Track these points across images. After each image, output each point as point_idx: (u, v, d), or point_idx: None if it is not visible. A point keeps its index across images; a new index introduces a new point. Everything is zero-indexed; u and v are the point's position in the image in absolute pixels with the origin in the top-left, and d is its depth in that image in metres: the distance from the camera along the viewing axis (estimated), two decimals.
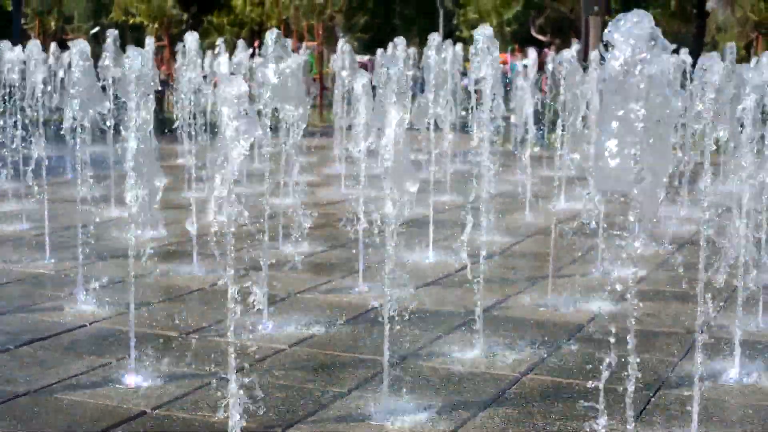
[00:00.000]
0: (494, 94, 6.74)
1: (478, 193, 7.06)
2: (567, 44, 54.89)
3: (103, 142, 11.84)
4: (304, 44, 30.96)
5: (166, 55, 36.62)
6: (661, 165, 4.08)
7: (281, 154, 9.57)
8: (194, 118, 13.25)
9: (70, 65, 7.70)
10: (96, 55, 8.96)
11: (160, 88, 20.00)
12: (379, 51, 22.88)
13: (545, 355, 6.64)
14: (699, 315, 5.35)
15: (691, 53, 17.21)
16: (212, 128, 13.52)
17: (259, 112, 7.35)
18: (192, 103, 12.71)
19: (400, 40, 16.15)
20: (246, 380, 5.95)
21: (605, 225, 8.06)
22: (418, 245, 9.95)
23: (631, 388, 4.60)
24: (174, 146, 15.95)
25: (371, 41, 61.09)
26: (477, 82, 6.83)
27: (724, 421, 5.54)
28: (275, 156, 9.32)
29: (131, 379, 5.98)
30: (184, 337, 6.98)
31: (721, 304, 7.79)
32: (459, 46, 20.08)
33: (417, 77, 23.28)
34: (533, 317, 7.64)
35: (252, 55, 23.96)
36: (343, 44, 19.60)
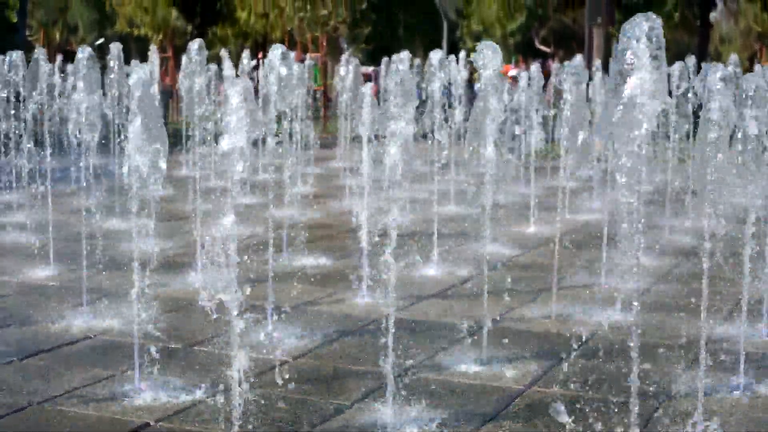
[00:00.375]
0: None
1: (481, 204, 7.06)
2: (570, 55, 54.96)
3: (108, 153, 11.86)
4: (308, 55, 30.99)
5: (170, 67, 36.67)
6: None
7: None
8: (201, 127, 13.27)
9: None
10: (100, 66, 8.97)
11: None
12: (384, 60, 22.93)
13: (550, 367, 6.62)
14: (703, 326, 5.34)
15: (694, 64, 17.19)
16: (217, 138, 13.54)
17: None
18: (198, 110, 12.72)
19: (405, 55, 16.23)
20: (250, 392, 5.96)
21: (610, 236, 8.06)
22: (422, 256, 9.94)
23: (635, 399, 4.59)
24: (179, 156, 15.97)
25: (375, 52, 61.21)
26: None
27: None
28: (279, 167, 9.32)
29: (135, 392, 5.97)
30: (189, 349, 6.98)
31: (726, 315, 7.78)
32: (462, 54, 20.12)
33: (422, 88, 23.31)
34: (538, 329, 7.62)
35: (256, 67, 23.98)
36: (348, 56, 19.67)
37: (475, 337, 7.07)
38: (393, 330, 5.59)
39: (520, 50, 56.45)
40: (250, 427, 5.14)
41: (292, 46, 43.95)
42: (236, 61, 28.43)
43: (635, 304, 4.67)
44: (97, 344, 7.10)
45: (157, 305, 8.12)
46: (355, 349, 7.04)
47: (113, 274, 8.92)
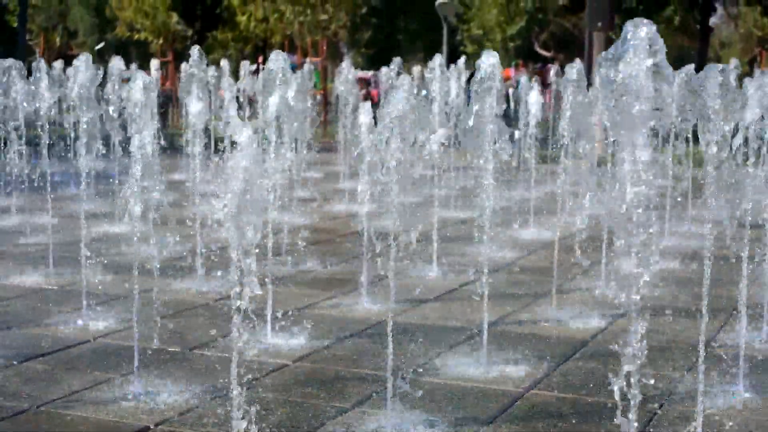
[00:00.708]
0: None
1: (481, 208, 7.07)
2: (570, 59, 54.97)
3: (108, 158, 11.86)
4: (308, 60, 31.00)
5: (170, 71, 36.70)
6: None
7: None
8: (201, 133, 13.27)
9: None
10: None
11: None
12: (384, 69, 22.97)
13: (549, 371, 6.63)
14: (703, 330, 5.34)
15: (694, 68, 17.19)
16: (216, 144, 13.56)
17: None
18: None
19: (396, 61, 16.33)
20: (250, 396, 5.96)
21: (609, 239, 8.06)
22: (422, 260, 9.95)
23: (635, 402, 4.59)
24: (178, 161, 15.98)
25: (375, 56, 61.25)
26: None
27: None
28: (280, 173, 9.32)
29: (135, 395, 5.98)
30: (188, 353, 6.98)
31: (726, 319, 7.79)
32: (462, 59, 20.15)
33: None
34: (537, 332, 7.63)
35: (256, 71, 24.01)
36: (347, 61, 19.72)
37: (475, 341, 7.08)
38: (392, 333, 5.59)
39: (521, 54, 56.50)
40: (250, 430, 5.13)
41: (292, 50, 43.99)
42: (236, 66, 28.44)
43: (635, 307, 4.67)
44: (97, 347, 7.10)
45: (158, 308, 8.12)
46: (355, 353, 7.04)
47: (113, 278, 8.93)
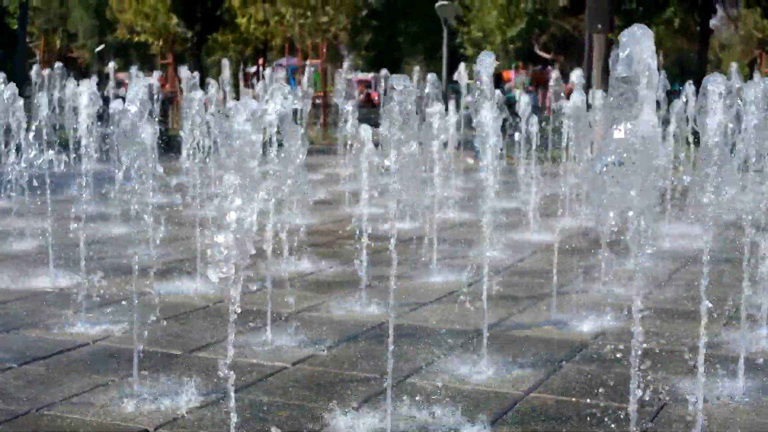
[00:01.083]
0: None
1: (481, 210, 7.06)
2: (570, 61, 55.00)
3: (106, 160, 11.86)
4: (308, 62, 31.03)
5: (170, 73, 36.70)
6: None
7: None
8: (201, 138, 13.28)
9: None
10: (100, 72, 9.00)
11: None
12: (383, 71, 22.99)
13: (548, 374, 6.62)
14: (702, 333, 5.33)
15: (694, 71, 17.25)
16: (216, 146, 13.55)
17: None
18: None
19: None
20: (249, 399, 5.96)
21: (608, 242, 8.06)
22: (422, 262, 9.95)
23: (634, 406, 4.59)
24: (178, 164, 15.97)
25: (376, 59, 61.31)
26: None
27: None
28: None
29: (134, 398, 5.97)
30: (188, 355, 6.98)
31: (725, 321, 7.78)
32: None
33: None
34: (537, 335, 7.62)
35: (255, 73, 24.02)
36: (348, 64, 19.74)
37: (474, 343, 7.07)
38: (392, 336, 5.59)
39: (521, 56, 56.53)
40: None
41: (292, 52, 44.01)
42: (236, 68, 28.43)
43: (635, 309, 4.66)
44: (96, 350, 7.09)
45: (157, 311, 8.12)
46: (354, 355, 7.03)
47: (112, 280, 8.92)
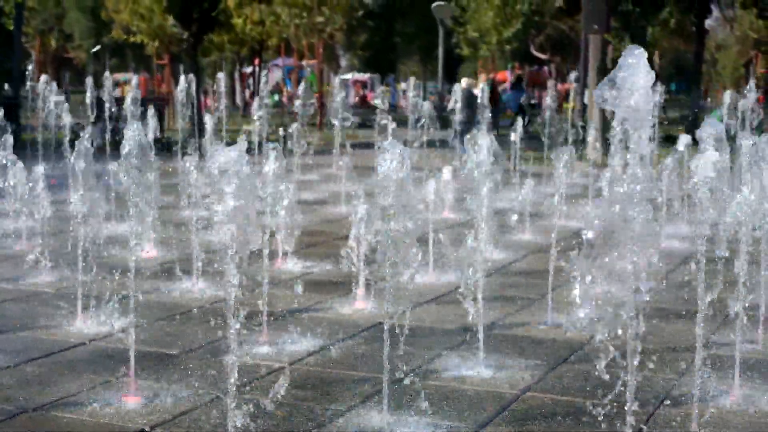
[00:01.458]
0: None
1: (475, 211, 7.07)
2: (566, 62, 55.01)
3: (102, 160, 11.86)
4: (304, 62, 31.01)
5: (166, 74, 36.67)
6: None
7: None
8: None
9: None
10: (96, 73, 9.00)
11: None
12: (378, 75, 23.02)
13: (545, 373, 6.63)
14: (699, 333, 5.35)
15: (690, 71, 17.27)
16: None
17: None
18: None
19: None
20: (246, 398, 5.96)
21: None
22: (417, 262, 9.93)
23: (630, 405, 4.60)
24: (174, 164, 15.97)
25: (372, 59, 61.27)
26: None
27: None
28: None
29: (130, 398, 5.97)
30: (184, 355, 6.98)
31: (722, 322, 7.79)
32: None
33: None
34: (533, 335, 7.63)
35: (251, 74, 24.00)
36: (346, 64, 19.80)
37: (470, 343, 7.08)
38: (388, 336, 5.60)
39: (517, 57, 56.54)
40: None
41: (288, 53, 43.95)
42: (231, 68, 28.38)
43: (631, 309, 4.67)
44: (93, 350, 7.09)
45: (153, 312, 8.12)
46: (351, 355, 7.04)
47: (110, 281, 8.91)
